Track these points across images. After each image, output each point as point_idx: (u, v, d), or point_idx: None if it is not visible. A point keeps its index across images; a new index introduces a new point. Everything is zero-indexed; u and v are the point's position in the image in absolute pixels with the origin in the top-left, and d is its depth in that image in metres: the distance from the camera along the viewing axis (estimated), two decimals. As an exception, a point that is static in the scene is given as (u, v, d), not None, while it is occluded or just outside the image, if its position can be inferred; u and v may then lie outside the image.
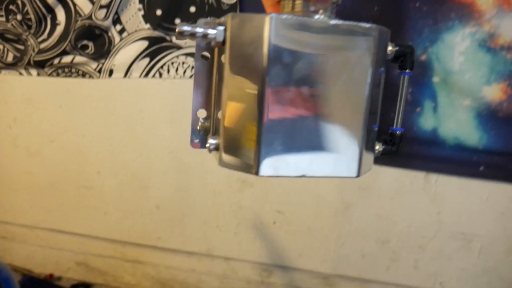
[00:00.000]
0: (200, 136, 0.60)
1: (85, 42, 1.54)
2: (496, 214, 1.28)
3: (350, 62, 0.51)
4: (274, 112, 0.49)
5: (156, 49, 1.48)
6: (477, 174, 1.20)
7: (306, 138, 0.51)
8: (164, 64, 1.50)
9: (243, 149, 0.51)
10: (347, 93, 0.52)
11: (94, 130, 1.69)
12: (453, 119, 1.17)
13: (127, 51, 1.51)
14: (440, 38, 1.11)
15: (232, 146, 0.52)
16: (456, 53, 1.10)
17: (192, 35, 0.52)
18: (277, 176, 0.51)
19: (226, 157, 0.52)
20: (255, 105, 0.50)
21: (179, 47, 1.47)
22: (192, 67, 1.47)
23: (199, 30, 0.52)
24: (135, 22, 1.47)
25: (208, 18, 0.54)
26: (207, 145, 0.54)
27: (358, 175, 0.54)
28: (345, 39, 0.51)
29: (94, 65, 1.57)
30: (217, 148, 0.54)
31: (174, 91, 1.54)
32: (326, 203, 1.47)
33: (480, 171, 1.19)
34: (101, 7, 1.45)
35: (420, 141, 1.22)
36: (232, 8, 1.36)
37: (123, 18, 1.48)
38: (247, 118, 0.51)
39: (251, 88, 0.50)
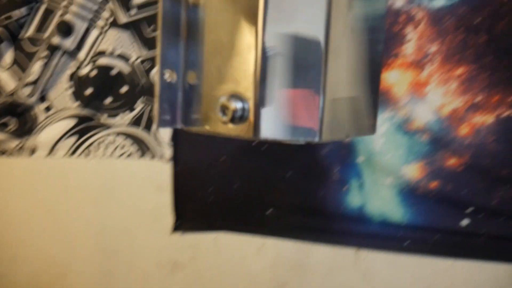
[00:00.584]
0: (170, 110, 0.43)
1: (5, 119, 1.47)
2: (422, 287, 1.32)
3: (375, 20, 0.48)
4: (335, 61, 0.40)
5: (84, 127, 1.45)
6: (403, 249, 1.25)
7: (350, 96, 0.46)
8: (92, 143, 1.46)
9: (295, 110, 0.39)
10: (372, 50, 0.50)
11: (9, 212, 1.56)
12: (378, 196, 1.23)
13: (53, 129, 1.46)
14: (362, 121, 1.20)
15: (276, 108, 0.40)
16: (377, 135, 1.19)
17: None
18: (329, 141, 0.44)
19: (270, 123, 0.39)
20: (316, 50, 0.39)
21: (109, 126, 1.44)
22: (123, 146, 1.45)
23: None
24: (64, 100, 1.44)
25: None
26: (230, 111, 0.39)
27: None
28: None
29: (14, 143, 1.49)
30: (243, 115, 0.40)
31: (101, 170, 1.49)
32: (260, 283, 1.44)
33: (406, 246, 1.24)
34: (27, 84, 1.41)
35: (349, 218, 1.26)
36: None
37: (51, 95, 1.44)
38: (303, 68, 0.39)
39: (311, 27, 0.38)
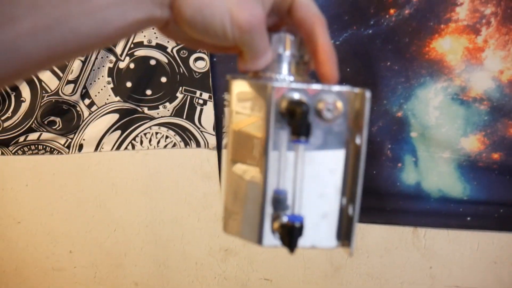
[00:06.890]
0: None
1: (52, 118, 1.49)
2: (488, 263, 1.26)
3: None
4: None
5: (127, 120, 1.45)
6: (464, 225, 1.19)
7: None
8: (137, 135, 1.46)
9: None
10: None
11: (64, 208, 1.60)
12: (435, 172, 1.17)
13: (97, 125, 1.47)
14: (414, 94, 1.13)
15: None
16: (431, 107, 1.12)
17: None
18: None
19: None
20: None
21: (152, 118, 1.43)
22: (166, 137, 1.44)
23: None
24: (105, 95, 1.44)
25: None
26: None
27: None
28: None
29: (62, 140, 1.51)
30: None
31: (147, 162, 1.49)
32: (315, 267, 1.41)
33: (468, 222, 1.18)
34: (69, 82, 1.42)
35: (405, 196, 1.20)
36: (204, 75, 1.35)
37: (92, 92, 1.44)
38: None
39: None
